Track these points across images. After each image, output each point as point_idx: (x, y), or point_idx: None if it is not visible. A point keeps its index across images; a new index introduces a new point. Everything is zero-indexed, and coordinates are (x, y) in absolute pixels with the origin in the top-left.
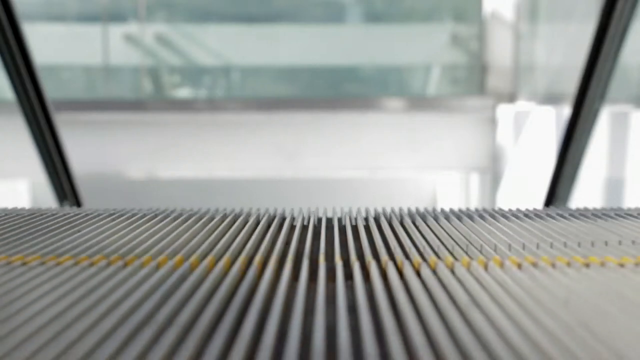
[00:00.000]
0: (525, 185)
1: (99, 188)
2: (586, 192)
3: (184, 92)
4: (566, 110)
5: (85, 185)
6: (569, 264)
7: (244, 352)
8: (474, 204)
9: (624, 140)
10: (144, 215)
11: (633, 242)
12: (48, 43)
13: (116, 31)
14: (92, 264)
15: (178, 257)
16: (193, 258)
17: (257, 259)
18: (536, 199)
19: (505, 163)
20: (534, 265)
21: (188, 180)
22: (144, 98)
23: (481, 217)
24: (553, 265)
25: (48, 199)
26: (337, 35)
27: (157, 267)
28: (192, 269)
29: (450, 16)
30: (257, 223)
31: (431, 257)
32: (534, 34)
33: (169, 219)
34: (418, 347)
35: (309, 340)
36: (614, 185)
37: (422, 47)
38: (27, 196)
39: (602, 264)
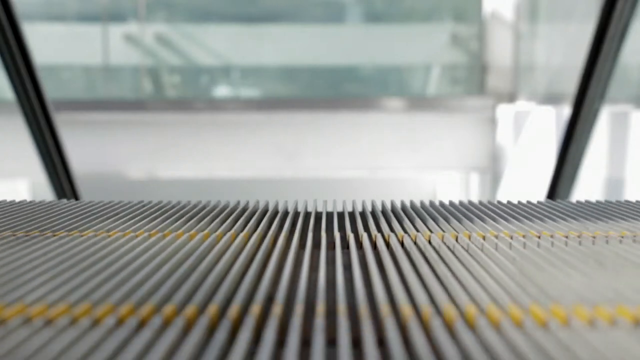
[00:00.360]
0: (525, 185)
1: (99, 188)
2: (586, 192)
3: (184, 92)
4: (566, 110)
5: (85, 185)
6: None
7: (263, 299)
8: None
9: (624, 140)
10: (155, 205)
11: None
12: (48, 43)
13: (116, 31)
14: (109, 237)
15: (205, 233)
16: (219, 232)
17: (270, 233)
18: (536, 199)
19: (505, 163)
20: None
21: (188, 180)
22: (144, 98)
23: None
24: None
25: (48, 199)
26: (337, 35)
27: (190, 239)
28: (217, 240)
29: (450, 16)
30: (265, 212)
31: (412, 232)
32: (533, 33)
33: (174, 209)
34: (399, 297)
35: (314, 291)
36: (614, 185)
37: (422, 47)
38: (27, 196)
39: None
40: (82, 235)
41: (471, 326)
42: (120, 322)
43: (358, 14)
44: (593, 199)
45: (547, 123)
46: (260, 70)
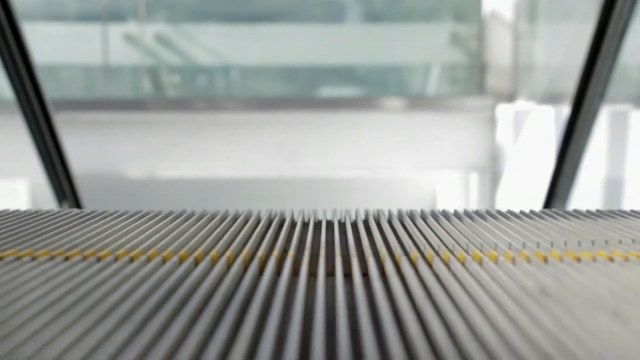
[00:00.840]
0: (524, 185)
1: (98, 188)
2: (585, 192)
3: (183, 92)
4: (565, 110)
5: (85, 185)
6: (578, 260)
7: (247, 343)
8: (473, 203)
9: (623, 140)
10: (146, 214)
11: (633, 240)
12: (48, 43)
13: (116, 31)
14: (99, 259)
15: (183, 252)
16: (197, 253)
17: (260, 254)
18: (536, 199)
19: (504, 163)
20: (528, 260)
21: (188, 180)
22: (144, 98)
23: (481, 217)
24: (549, 260)
25: (47, 199)
26: (337, 35)
27: (163, 262)
28: (196, 263)
29: (449, 16)
30: (258, 222)
31: (429, 252)
32: (533, 33)
33: (169, 218)
34: (414, 339)
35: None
36: (614, 185)
37: (422, 46)
38: (27, 196)
39: (611, 259)
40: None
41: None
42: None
43: (358, 14)
44: (592, 199)
45: (546, 123)
46: (260, 70)
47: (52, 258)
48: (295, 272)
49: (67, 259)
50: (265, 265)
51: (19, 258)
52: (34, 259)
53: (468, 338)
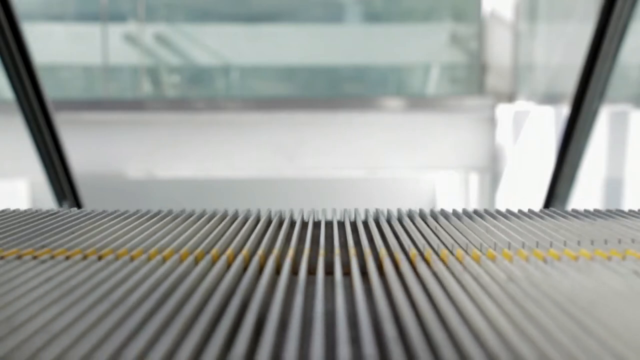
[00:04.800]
0: (524, 185)
1: (98, 188)
2: (585, 192)
3: (183, 92)
4: (565, 110)
5: (85, 185)
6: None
7: (246, 344)
8: (473, 203)
9: (623, 140)
10: (146, 214)
11: (633, 240)
12: (48, 43)
13: (116, 31)
14: (100, 258)
15: (183, 251)
16: (197, 252)
17: (260, 252)
18: (535, 199)
19: (504, 163)
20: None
21: (188, 180)
22: (144, 98)
23: (480, 216)
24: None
25: (47, 199)
26: (336, 35)
27: (164, 261)
28: (196, 262)
29: (449, 16)
30: (257, 221)
31: (427, 251)
32: (533, 33)
33: (169, 217)
34: (413, 337)
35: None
36: (613, 185)
37: (422, 46)
38: (26, 196)
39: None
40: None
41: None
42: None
43: (357, 14)
44: (592, 199)
45: (546, 123)
46: (260, 70)
47: (52, 257)
48: (294, 271)
49: (67, 258)
50: (265, 264)
51: (19, 257)
52: (34, 257)
53: (466, 335)
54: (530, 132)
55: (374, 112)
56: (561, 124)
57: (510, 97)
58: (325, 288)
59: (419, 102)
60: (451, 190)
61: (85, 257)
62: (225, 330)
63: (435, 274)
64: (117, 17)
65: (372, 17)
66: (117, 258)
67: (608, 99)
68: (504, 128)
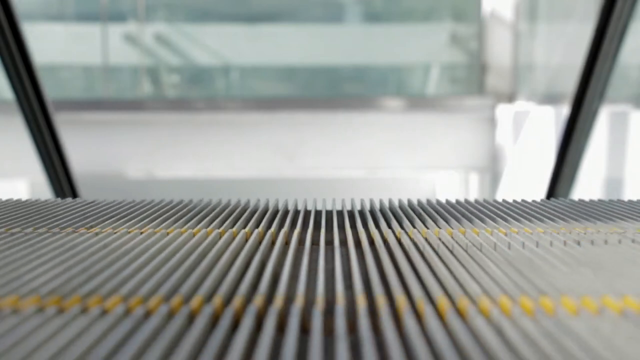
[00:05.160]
0: (524, 185)
1: (98, 188)
2: (585, 192)
3: (183, 92)
4: (565, 110)
5: (85, 185)
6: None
7: (266, 289)
8: None
9: (623, 140)
10: (158, 203)
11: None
12: (48, 43)
13: (115, 31)
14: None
15: (209, 229)
16: (221, 229)
17: (271, 231)
18: (536, 199)
19: (504, 163)
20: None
21: (187, 180)
22: (144, 98)
23: (470, 205)
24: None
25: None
26: (336, 35)
27: (193, 235)
28: (220, 236)
29: (449, 16)
30: (266, 210)
31: (410, 230)
32: (533, 33)
33: (180, 205)
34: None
35: (314, 285)
36: (613, 184)
37: (422, 46)
38: (26, 196)
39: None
40: (88, 232)
41: (463, 316)
42: (128, 312)
43: (357, 14)
44: (594, 198)
45: (546, 123)
46: (259, 70)
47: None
48: (300, 242)
49: (96, 235)
50: (276, 239)
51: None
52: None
53: (433, 282)
54: (530, 132)
55: (374, 112)
56: (561, 124)
57: (510, 97)
58: (326, 253)
59: (419, 102)
60: (451, 190)
61: (141, 233)
62: (249, 282)
63: (415, 244)
64: (117, 17)
65: (372, 17)
66: (167, 234)
67: (608, 99)
68: (504, 128)
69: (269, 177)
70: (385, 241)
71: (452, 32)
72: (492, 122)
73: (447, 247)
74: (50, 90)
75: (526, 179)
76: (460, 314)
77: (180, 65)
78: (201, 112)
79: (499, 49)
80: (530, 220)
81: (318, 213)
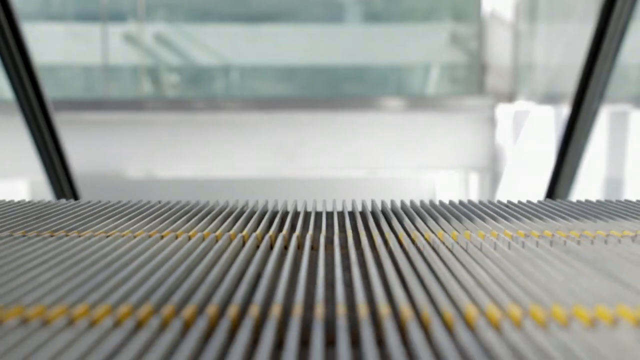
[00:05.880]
0: (524, 185)
1: (98, 188)
2: (585, 192)
3: (183, 92)
4: (565, 110)
5: (85, 185)
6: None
7: (262, 300)
8: None
9: (623, 140)
10: (154, 204)
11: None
12: (48, 43)
13: (115, 31)
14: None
15: (204, 233)
16: (218, 232)
17: (270, 233)
18: (535, 199)
19: (504, 163)
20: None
21: (187, 180)
22: (143, 97)
23: (472, 205)
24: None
25: (47, 199)
26: (336, 35)
27: (189, 239)
28: (216, 241)
29: (449, 16)
30: (265, 212)
31: (412, 231)
32: (533, 33)
33: (177, 206)
34: (398, 297)
35: (313, 292)
36: (613, 184)
37: (422, 46)
38: (26, 196)
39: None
40: (80, 236)
41: (471, 327)
42: (117, 324)
43: (357, 14)
44: (593, 199)
45: (546, 123)
46: (259, 70)
47: (67, 234)
48: (299, 246)
49: (89, 237)
50: (274, 243)
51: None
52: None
53: (432, 280)
54: (530, 132)
55: (374, 112)
56: (561, 124)
57: (510, 97)
58: (326, 257)
59: (419, 102)
60: (451, 190)
61: (135, 237)
62: (244, 290)
63: (417, 248)
64: (117, 17)
65: (372, 17)
66: (162, 237)
67: (608, 99)
68: (504, 128)
69: (269, 177)
70: (386, 244)
71: (452, 32)
72: (492, 122)
73: (449, 249)
74: (50, 90)
75: (526, 179)
76: (468, 325)
77: (180, 65)
78: (201, 112)
79: (499, 49)
80: (541, 220)
81: (318, 214)
